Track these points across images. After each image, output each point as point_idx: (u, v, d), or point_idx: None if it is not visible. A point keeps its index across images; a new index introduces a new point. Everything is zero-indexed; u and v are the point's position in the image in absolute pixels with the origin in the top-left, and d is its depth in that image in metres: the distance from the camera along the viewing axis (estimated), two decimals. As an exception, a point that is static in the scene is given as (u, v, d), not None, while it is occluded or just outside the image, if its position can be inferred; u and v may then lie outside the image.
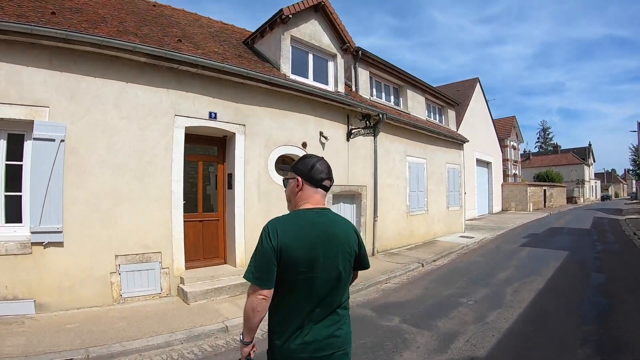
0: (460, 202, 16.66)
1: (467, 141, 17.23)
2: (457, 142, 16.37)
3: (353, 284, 1.95)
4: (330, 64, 9.94)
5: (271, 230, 1.62)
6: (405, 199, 12.48)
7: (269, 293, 1.55)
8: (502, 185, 30.22)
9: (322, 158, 1.86)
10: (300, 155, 8.88)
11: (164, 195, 6.29)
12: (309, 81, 9.05)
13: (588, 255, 10.40)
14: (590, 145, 56.95)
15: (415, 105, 14.26)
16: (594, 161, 58.99)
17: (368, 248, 10.46)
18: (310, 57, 9.41)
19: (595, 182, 61.07)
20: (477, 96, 25.52)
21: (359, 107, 9.67)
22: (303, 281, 1.57)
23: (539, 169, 46.82)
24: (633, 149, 61.07)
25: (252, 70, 7.24)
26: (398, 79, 13.33)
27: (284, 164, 8.35)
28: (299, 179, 1.79)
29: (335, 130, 9.30)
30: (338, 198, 9.67)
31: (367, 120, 9.36)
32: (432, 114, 16.04)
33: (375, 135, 10.76)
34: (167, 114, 6.36)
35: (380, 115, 9.88)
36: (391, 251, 11.42)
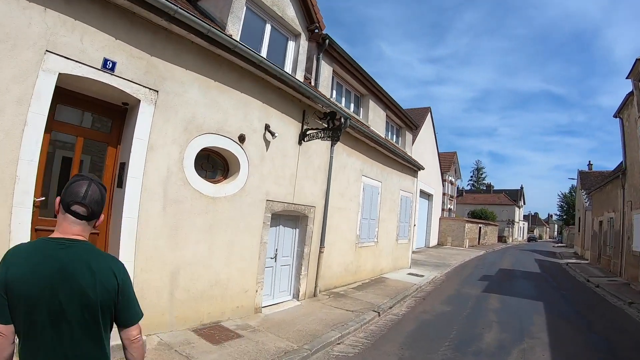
0: (409, 235, 15.23)
1: (423, 168, 16.07)
2: (413, 168, 15.06)
3: (131, 343, 1.59)
4: (291, 45, 7.85)
5: (2, 258, 1.43)
6: (356, 227, 10.55)
7: (4, 329, 1.35)
8: (440, 219, 29.98)
9: (91, 180, 1.58)
10: (235, 151, 6.13)
11: (-14, 183, 3.59)
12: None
13: (566, 308, 9.66)
14: (522, 188, 61.31)
15: (376, 120, 12.65)
16: (524, 203, 63.33)
17: (309, 286, 8.25)
18: (268, 28, 7.24)
19: (524, 224, 65.44)
20: (427, 126, 25.07)
21: (320, 103, 7.64)
22: (30, 326, 1.38)
23: (472, 206, 48.68)
24: (561, 195, 66.87)
25: (184, 8, 4.86)
26: (362, 85, 11.63)
27: (209, 161, 5.96)
28: (57, 199, 1.56)
29: (286, 126, 7.14)
30: (278, 219, 7.42)
31: (331, 120, 7.33)
32: (389, 133, 14.60)
33: (333, 143, 8.76)
34: (35, 45, 3.70)
35: (343, 120, 7.90)
36: (336, 290, 9.31)
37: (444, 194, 32.35)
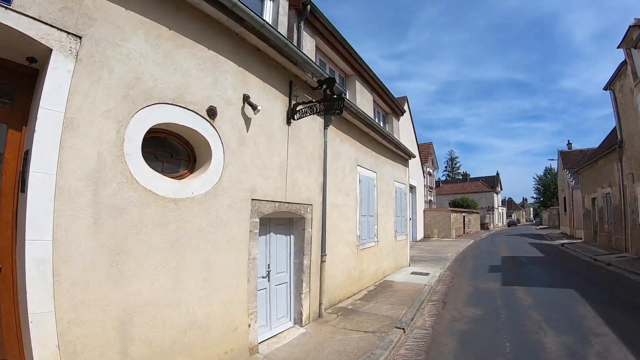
0: (406, 230, 13.80)
1: (414, 156, 14.69)
2: (404, 156, 13.63)
3: None
4: (268, 4, 6.18)
5: None
6: (355, 227, 8.94)
7: None
8: (424, 211, 28.95)
9: None
10: (203, 131, 3.63)
11: None
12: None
13: (600, 293, 8.82)
14: (498, 174, 61.62)
15: (363, 103, 11.14)
16: (502, 189, 63.86)
17: (313, 306, 6.55)
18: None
19: (502, 209, 66.05)
20: (405, 116, 23.82)
21: (311, 71, 5.97)
22: None
23: (451, 196, 48.39)
24: (537, 178, 67.94)
25: None
26: (348, 64, 10.09)
27: (167, 148, 4.18)
28: None
29: (270, 101, 5.44)
30: (267, 225, 5.70)
31: (328, 89, 5.67)
32: (377, 119, 13.11)
33: (328, 121, 7.12)
34: None
35: (338, 93, 6.26)
36: (342, 305, 7.67)
37: (424, 186, 31.44)
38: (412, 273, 11.93)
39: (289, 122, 5.88)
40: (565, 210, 33.28)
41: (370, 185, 10.17)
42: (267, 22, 4.77)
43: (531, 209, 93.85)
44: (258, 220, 5.01)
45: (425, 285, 9.91)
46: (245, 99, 4.80)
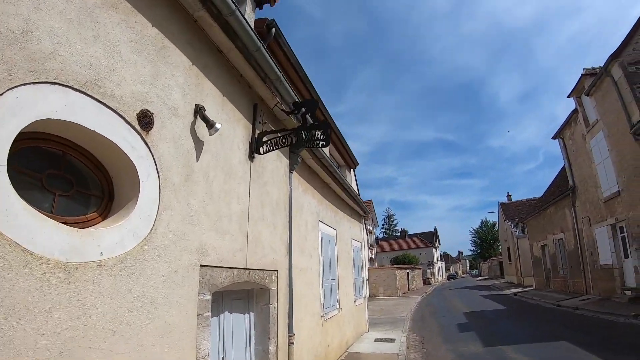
0: (364, 292, 12.36)
1: (369, 212, 13.66)
2: (360, 212, 12.59)
3: None
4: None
5: None
6: (319, 293, 7.33)
7: None
8: (368, 269, 27.88)
9: None
10: (128, 149, 1.88)
11: None
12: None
13: (598, 342, 8.30)
14: (435, 229, 63.22)
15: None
16: (440, 244, 65.41)
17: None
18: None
19: (442, 263, 67.22)
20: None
21: (283, 91, 4.64)
22: None
23: (392, 253, 48.38)
24: (473, 231, 70.95)
25: None
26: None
27: (64, 172, 2.45)
28: None
29: (230, 123, 3.95)
30: (220, 301, 3.91)
31: (309, 113, 4.33)
32: (330, 170, 12.01)
33: (292, 168, 5.72)
34: None
35: (316, 125, 4.98)
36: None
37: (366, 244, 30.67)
38: (376, 340, 10.43)
39: (252, 157, 4.40)
40: (510, 260, 34.51)
41: (331, 244, 8.76)
42: (239, 10, 3.44)
43: (467, 261, 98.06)
44: (210, 297, 3.26)
45: (397, 355, 8.41)
46: (199, 111, 3.28)
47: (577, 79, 14.72)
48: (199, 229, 3.22)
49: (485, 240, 65.30)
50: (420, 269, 42.58)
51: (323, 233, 8.11)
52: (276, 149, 4.44)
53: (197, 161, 3.29)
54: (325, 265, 7.97)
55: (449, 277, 65.58)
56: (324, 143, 4.22)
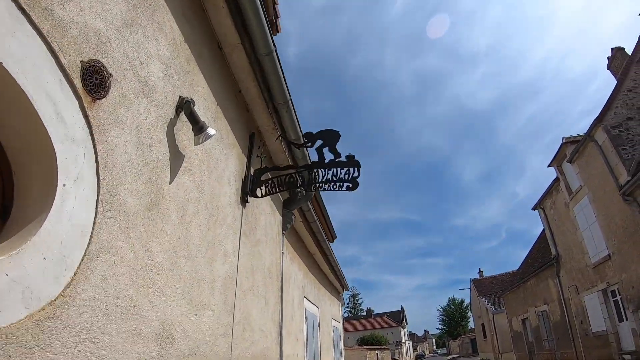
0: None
1: (348, 289, 12.10)
2: (339, 288, 11.05)
3: None
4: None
5: None
6: (305, 395, 5.57)
7: None
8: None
9: None
10: (41, 110, 1.28)
11: None
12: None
13: None
14: (402, 308, 59.67)
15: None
16: (407, 323, 61.55)
17: None
18: None
19: (409, 343, 62.64)
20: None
21: (288, 121, 3.51)
22: None
23: (359, 332, 44.76)
24: (441, 309, 67.97)
25: None
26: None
27: None
28: None
29: (224, 146, 2.71)
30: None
31: (327, 147, 3.16)
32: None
33: (285, 227, 4.41)
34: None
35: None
36: None
37: (333, 330, 28.24)
38: None
39: (244, 200, 3.09)
40: (485, 337, 32.35)
41: (314, 324, 7.14)
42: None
43: (433, 340, 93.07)
44: None
45: None
46: (184, 105, 2.04)
47: (557, 148, 14.85)
48: (162, 298, 1.79)
49: (454, 318, 62.92)
50: (388, 349, 39.42)
51: (308, 312, 6.54)
52: (278, 191, 3.18)
53: (170, 182, 1.97)
54: (309, 350, 6.27)
55: (417, 357, 61.23)
56: (350, 185, 3.01)
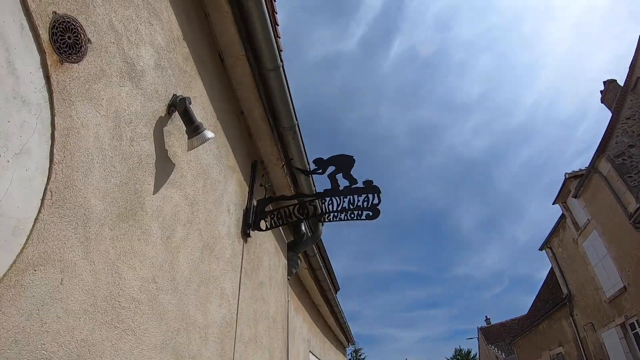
0: None
1: (354, 343, 11.10)
2: (344, 342, 10.11)
3: None
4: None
5: None
6: None
7: None
8: None
9: None
10: None
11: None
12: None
13: None
14: None
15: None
16: None
17: None
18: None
19: None
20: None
21: (295, 148, 3.15)
22: None
23: None
24: None
25: None
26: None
27: None
28: None
29: (223, 167, 2.32)
30: None
31: (342, 172, 2.75)
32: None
33: (290, 272, 3.89)
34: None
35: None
36: None
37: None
38: None
39: (246, 234, 2.65)
40: None
41: None
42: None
43: None
44: None
45: None
46: (178, 103, 1.65)
47: (561, 185, 14.47)
48: (133, 343, 1.30)
49: None
50: None
51: None
52: (285, 223, 2.74)
53: (154, 192, 1.55)
54: None
55: None
56: (371, 214, 2.57)
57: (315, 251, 5.11)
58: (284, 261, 3.81)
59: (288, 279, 3.92)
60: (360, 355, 71.50)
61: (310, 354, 5.63)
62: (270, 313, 3.04)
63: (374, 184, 2.66)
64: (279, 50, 2.54)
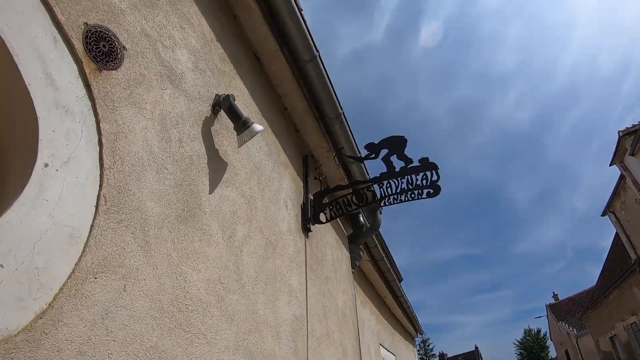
0: None
1: (422, 333, 10.73)
2: (412, 332, 9.79)
3: None
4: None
5: None
6: None
7: None
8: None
9: None
10: (19, 54, 0.89)
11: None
12: None
13: None
14: (477, 348, 52.67)
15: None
16: None
17: None
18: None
19: None
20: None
21: (343, 136, 3.04)
22: None
23: None
24: (517, 343, 59.51)
25: None
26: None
27: None
28: None
29: (275, 163, 2.26)
30: None
31: (395, 153, 2.62)
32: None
33: (354, 265, 3.78)
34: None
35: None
36: None
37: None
38: None
39: (307, 229, 2.57)
40: None
41: None
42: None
43: None
44: None
45: None
46: (222, 101, 1.60)
47: (616, 144, 12.96)
48: (205, 347, 1.24)
49: (532, 350, 54.66)
50: None
51: None
52: (345, 212, 2.62)
53: (209, 192, 1.50)
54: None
55: None
56: (432, 191, 2.39)
57: (376, 242, 4.95)
58: (346, 254, 3.69)
59: (352, 271, 3.80)
60: (428, 345, 69.16)
61: (380, 347, 5.46)
62: (339, 307, 2.94)
63: (430, 160, 2.47)
64: (313, 41, 2.43)
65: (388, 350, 6.18)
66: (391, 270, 5.93)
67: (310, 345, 2.13)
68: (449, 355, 54.86)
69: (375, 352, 5.06)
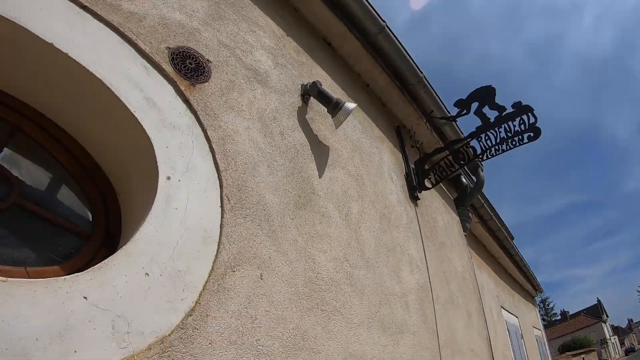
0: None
1: (542, 291, 9.58)
2: (531, 291, 8.73)
3: None
4: None
5: None
6: None
7: None
8: None
9: None
10: (115, 85, 0.97)
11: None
12: None
13: None
14: (599, 301, 45.74)
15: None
16: (607, 316, 46.81)
17: None
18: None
19: (614, 338, 47.34)
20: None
21: (429, 100, 2.75)
22: None
23: (557, 340, 35.55)
24: None
25: None
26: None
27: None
28: None
29: (371, 138, 2.11)
30: None
31: (487, 104, 2.28)
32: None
33: (465, 227, 3.45)
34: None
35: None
36: None
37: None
38: None
39: (414, 197, 2.38)
40: None
41: (517, 336, 5.45)
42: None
43: None
44: None
45: None
46: (310, 89, 1.52)
47: None
48: (342, 323, 1.18)
49: None
50: (595, 350, 29.93)
51: (508, 323, 5.03)
52: (449, 174, 2.35)
53: (319, 176, 1.43)
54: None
55: (627, 352, 44.86)
56: (532, 134, 2.00)
57: (482, 202, 4.46)
58: (456, 218, 3.37)
59: (464, 234, 3.47)
60: (548, 305, 61.24)
61: (501, 309, 4.96)
62: (458, 272, 2.68)
63: (523, 104, 2.06)
64: (377, 12, 2.18)
65: (510, 312, 5.60)
66: (502, 228, 5.33)
67: (437, 311, 1.95)
68: (570, 313, 48.21)
69: (497, 314, 4.61)
